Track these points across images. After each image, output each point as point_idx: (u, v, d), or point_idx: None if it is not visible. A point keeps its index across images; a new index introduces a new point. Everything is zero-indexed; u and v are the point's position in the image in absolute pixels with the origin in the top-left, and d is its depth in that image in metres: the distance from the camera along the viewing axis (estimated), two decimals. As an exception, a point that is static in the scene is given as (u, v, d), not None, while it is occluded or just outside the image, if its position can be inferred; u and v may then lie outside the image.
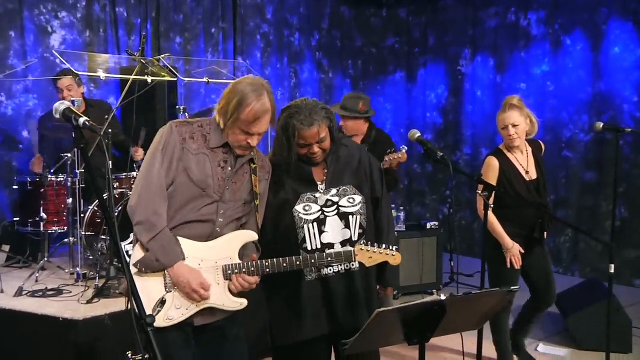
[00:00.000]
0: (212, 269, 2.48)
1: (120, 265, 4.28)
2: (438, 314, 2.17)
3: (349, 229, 2.78)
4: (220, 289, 2.50)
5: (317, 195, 2.78)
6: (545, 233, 4.01)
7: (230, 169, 2.52)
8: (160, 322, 2.42)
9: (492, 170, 3.91)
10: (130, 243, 4.37)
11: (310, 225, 2.74)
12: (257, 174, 2.60)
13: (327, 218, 2.76)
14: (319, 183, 2.81)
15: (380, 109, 8.86)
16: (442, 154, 3.06)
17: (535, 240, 3.94)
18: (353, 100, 4.66)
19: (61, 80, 5.13)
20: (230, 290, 2.52)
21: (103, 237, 4.55)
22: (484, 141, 7.90)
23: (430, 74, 8.57)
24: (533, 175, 3.94)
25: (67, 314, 3.70)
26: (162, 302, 2.43)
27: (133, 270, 2.43)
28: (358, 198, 2.82)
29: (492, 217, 3.86)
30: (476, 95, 8.00)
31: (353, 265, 2.79)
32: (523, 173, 3.91)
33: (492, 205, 3.48)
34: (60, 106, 2.07)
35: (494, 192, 3.60)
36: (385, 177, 3.03)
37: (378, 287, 2.95)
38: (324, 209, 2.78)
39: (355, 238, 2.79)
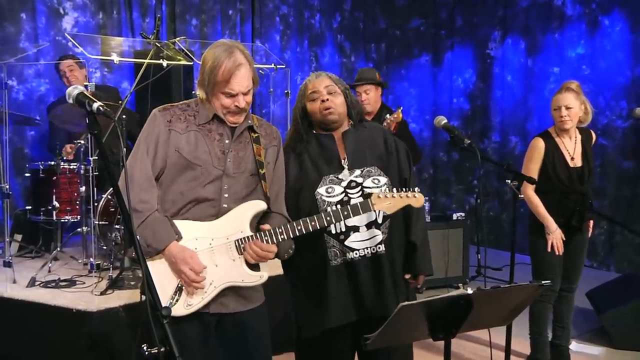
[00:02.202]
0: (224, 246, 2.48)
1: (135, 255, 4.33)
2: (464, 309, 2.16)
3: (370, 211, 2.78)
4: (236, 265, 2.49)
5: (341, 175, 2.80)
6: (590, 228, 4.11)
7: (227, 141, 2.52)
8: (181, 309, 2.42)
9: (536, 151, 3.98)
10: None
11: (334, 207, 2.74)
12: (260, 143, 2.59)
13: (351, 200, 2.76)
14: (342, 161, 2.83)
15: (404, 94, 8.83)
16: (469, 142, 3.05)
17: (574, 229, 3.99)
18: (368, 70, 4.98)
19: (62, 62, 5.18)
20: (248, 264, 2.50)
21: (117, 226, 4.60)
22: (513, 128, 7.84)
23: (458, 57, 8.50)
24: (578, 162, 4.00)
25: (80, 305, 3.76)
26: (179, 289, 2.44)
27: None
28: (383, 179, 2.83)
29: (535, 199, 3.97)
30: (506, 80, 7.93)
31: (379, 248, 2.80)
32: (568, 159, 3.97)
33: (521, 196, 3.50)
34: (73, 91, 2.09)
35: (528, 183, 3.65)
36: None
37: (408, 276, 2.96)
38: (347, 190, 2.79)
39: (380, 221, 2.81)
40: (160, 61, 4.73)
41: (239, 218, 2.49)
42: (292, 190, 2.77)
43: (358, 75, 4.87)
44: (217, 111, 2.50)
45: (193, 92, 5.11)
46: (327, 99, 2.81)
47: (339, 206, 2.66)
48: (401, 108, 4.22)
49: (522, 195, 3.49)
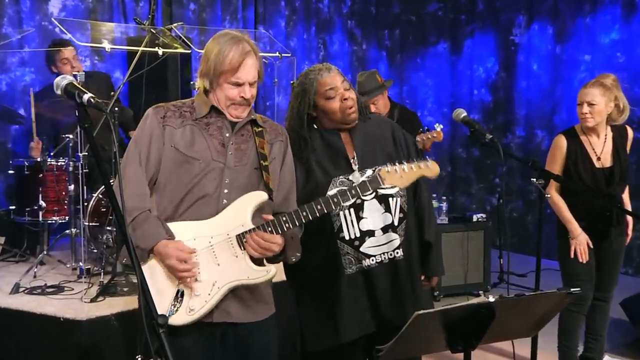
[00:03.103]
0: (225, 242, 2.48)
1: (127, 261, 4.35)
2: (485, 318, 2.16)
3: (390, 212, 2.79)
4: (239, 261, 2.48)
5: (351, 177, 2.79)
6: (629, 232, 4.10)
7: (227, 134, 2.54)
8: (183, 316, 2.42)
9: (558, 150, 3.98)
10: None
11: (347, 211, 2.75)
12: (263, 137, 2.60)
13: (365, 202, 2.77)
14: (351, 160, 2.82)
15: (420, 85, 8.81)
16: (491, 136, 3.05)
17: (603, 233, 3.97)
18: (369, 77, 4.86)
19: (65, 50, 5.18)
20: (252, 260, 2.49)
21: (109, 228, 4.61)
22: (539, 121, 7.81)
23: (479, 44, 8.48)
24: (606, 163, 3.96)
25: (68, 313, 3.77)
26: (180, 295, 2.44)
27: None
28: None
29: (559, 200, 3.96)
30: (531, 69, 7.90)
31: (397, 253, 2.80)
32: (594, 159, 3.94)
33: (548, 195, 3.49)
34: (61, 81, 2.10)
35: (555, 181, 3.65)
36: None
37: (422, 277, 2.97)
38: None
39: (396, 223, 2.81)
40: (156, 49, 4.75)
41: (240, 211, 2.49)
42: (301, 195, 2.75)
43: (359, 87, 4.74)
44: (219, 104, 2.53)
45: (192, 82, 5.11)
46: (348, 97, 2.79)
47: (348, 188, 2.57)
48: (441, 126, 4.19)
49: (548, 195, 3.48)
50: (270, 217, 2.49)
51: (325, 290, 2.81)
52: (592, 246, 3.93)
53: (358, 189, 2.52)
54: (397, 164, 2.55)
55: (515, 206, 8.13)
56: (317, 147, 2.83)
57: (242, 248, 2.47)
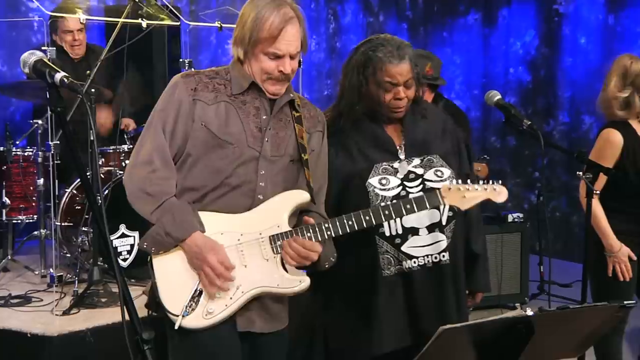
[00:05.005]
0: (255, 242, 2.51)
1: (106, 264, 4.36)
2: (523, 335, 2.16)
3: (437, 209, 2.80)
4: (270, 266, 2.51)
5: (396, 165, 2.81)
6: None
7: (265, 116, 2.55)
8: (198, 320, 2.45)
9: (611, 146, 3.81)
10: (120, 237, 4.47)
11: (389, 202, 2.75)
12: (302, 124, 2.62)
13: (410, 194, 2.78)
14: (397, 147, 2.84)
15: (447, 63, 8.76)
16: (529, 123, 3.05)
17: None
18: (418, 59, 4.69)
19: (67, 21, 5.19)
20: (284, 267, 2.52)
21: (84, 228, 4.63)
22: (587, 106, 7.79)
23: (516, 15, 8.46)
24: None
25: (37, 328, 3.80)
26: (198, 294, 2.46)
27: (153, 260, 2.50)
28: (447, 171, 2.86)
29: (597, 207, 3.79)
30: (578, 44, 7.88)
31: (443, 256, 2.82)
32: None
33: (597, 192, 3.44)
34: (29, 57, 2.11)
35: (605, 175, 3.56)
36: None
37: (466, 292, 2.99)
38: (405, 182, 2.81)
39: (444, 222, 2.83)
40: (139, 20, 4.75)
41: (276, 210, 2.53)
42: (335, 178, 2.78)
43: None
44: (254, 77, 2.53)
45: (181, 60, 5.12)
46: (404, 97, 2.81)
47: (401, 199, 2.64)
48: (487, 158, 4.16)
49: (597, 191, 3.43)
50: (312, 220, 2.53)
51: (360, 294, 2.84)
52: (634, 257, 3.83)
53: (414, 204, 2.59)
54: (460, 182, 2.63)
55: (558, 204, 8.12)
56: (364, 130, 2.86)
57: (275, 252, 2.51)
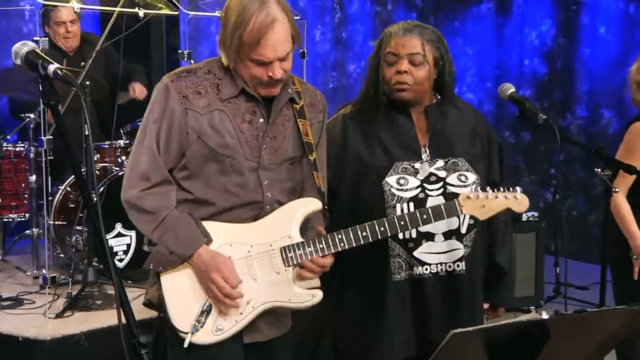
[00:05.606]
0: (266, 255, 2.51)
1: (101, 265, 4.37)
2: (537, 339, 2.16)
3: (457, 216, 2.78)
4: (281, 280, 2.51)
5: (417, 165, 2.80)
6: None
7: (262, 120, 2.51)
8: (208, 336, 2.46)
9: None
10: (116, 236, 4.47)
11: (405, 205, 2.75)
12: (305, 117, 2.58)
13: (429, 198, 2.77)
14: (422, 146, 2.83)
15: (459, 54, 8.78)
16: (545, 117, 3.05)
17: None
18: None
19: (59, 12, 5.19)
20: (294, 279, 2.53)
21: (79, 227, 4.64)
22: (606, 99, 7.78)
23: (531, 3, 8.45)
24: None
25: (29, 331, 3.82)
26: (208, 310, 2.47)
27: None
28: (472, 176, 2.84)
29: (624, 205, 3.79)
30: (597, 34, 7.86)
31: (458, 266, 2.81)
32: None
33: (616, 189, 3.42)
34: (21, 48, 2.11)
35: (625, 172, 3.54)
36: None
37: (486, 306, 2.98)
38: (425, 184, 2.79)
39: (463, 230, 2.82)
40: (136, 10, 4.75)
41: (286, 220, 2.53)
42: (350, 172, 2.78)
43: None
44: (245, 82, 2.47)
45: (179, 51, 5.12)
46: (406, 71, 2.76)
47: (417, 210, 2.63)
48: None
49: (616, 189, 3.41)
50: (323, 230, 2.52)
51: (369, 297, 2.84)
52: None
53: (431, 214, 2.58)
54: (480, 190, 2.64)
55: (575, 203, 8.11)
56: (386, 123, 2.84)
57: (286, 264, 2.51)
